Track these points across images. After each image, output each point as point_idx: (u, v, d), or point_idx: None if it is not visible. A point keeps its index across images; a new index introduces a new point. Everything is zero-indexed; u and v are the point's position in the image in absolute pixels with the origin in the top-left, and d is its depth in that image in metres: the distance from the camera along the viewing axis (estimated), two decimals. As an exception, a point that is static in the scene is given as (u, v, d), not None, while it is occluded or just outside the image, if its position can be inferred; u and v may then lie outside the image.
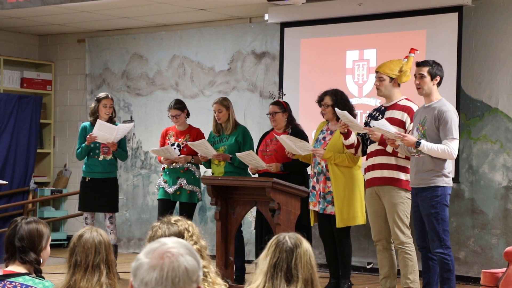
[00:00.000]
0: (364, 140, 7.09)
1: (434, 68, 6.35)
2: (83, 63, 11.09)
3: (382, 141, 6.63)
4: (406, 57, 6.86)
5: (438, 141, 6.24)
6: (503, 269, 6.30)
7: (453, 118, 6.25)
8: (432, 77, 6.34)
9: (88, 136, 8.21)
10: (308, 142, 7.41)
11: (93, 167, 8.36)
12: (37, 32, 11.30)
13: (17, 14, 9.79)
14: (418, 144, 6.23)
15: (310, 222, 7.40)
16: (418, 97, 6.96)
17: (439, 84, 6.40)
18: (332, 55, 8.73)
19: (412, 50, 6.86)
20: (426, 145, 6.22)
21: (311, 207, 7.32)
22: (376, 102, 8.16)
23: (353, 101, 7.82)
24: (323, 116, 7.38)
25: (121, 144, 8.40)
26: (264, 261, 3.18)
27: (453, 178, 7.68)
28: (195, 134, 8.19)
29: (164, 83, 10.34)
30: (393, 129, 6.43)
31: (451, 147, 6.20)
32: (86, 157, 8.40)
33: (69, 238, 10.80)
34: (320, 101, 7.34)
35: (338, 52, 8.69)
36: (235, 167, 7.80)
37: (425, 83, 6.35)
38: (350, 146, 7.05)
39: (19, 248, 3.76)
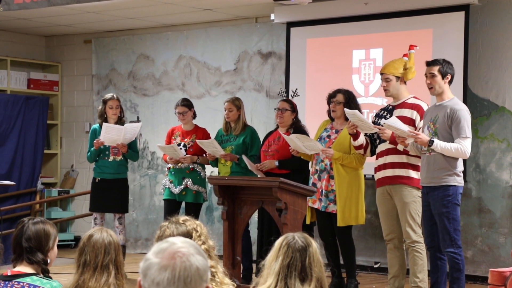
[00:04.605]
0: (372, 140, 7.05)
1: (444, 67, 6.32)
2: (90, 63, 11.10)
3: (393, 140, 6.57)
4: (406, 55, 6.85)
5: (450, 139, 6.21)
6: (511, 268, 6.28)
7: (466, 117, 6.23)
8: (443, 76, 6.32)
9: (95, 141, 8.22)
10: None
11: (103, 168, 8.36)
12: (44, 33, 11.31)
13: (24, 15, 9.80)
14: (431, 142, 6.20)
15: (306, 220, 7.41)
16: (425, 95, 6.95)
17: (450, 82, 6.38)
18: (338, 55, 8.72)
19: (411, 47, 6.85)
20: (439, 144, 6.18)
21: (310, 204, 7.24)
22: (383, 101, 8.15)
23: (359, 100, 7.81)
24: (331, 113, 7.32)
25: (132, 145, 8.37)
26: (274, 262, 3.17)
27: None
28: (201, 134, 8.18)
29: (170, 84, 10.34)
30: (405, 127, 6.39)
31: (464, 145, 6.17)
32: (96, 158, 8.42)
33: (76, 238, 10.82)
34: (331, 97, 7.29)
35: (344, 51, 8.68)
36: (241, 167, 7.80)
37: (436, 82, 6.31)
38: (359, 147, 7.02)
39: (26, 248, 3.77)
